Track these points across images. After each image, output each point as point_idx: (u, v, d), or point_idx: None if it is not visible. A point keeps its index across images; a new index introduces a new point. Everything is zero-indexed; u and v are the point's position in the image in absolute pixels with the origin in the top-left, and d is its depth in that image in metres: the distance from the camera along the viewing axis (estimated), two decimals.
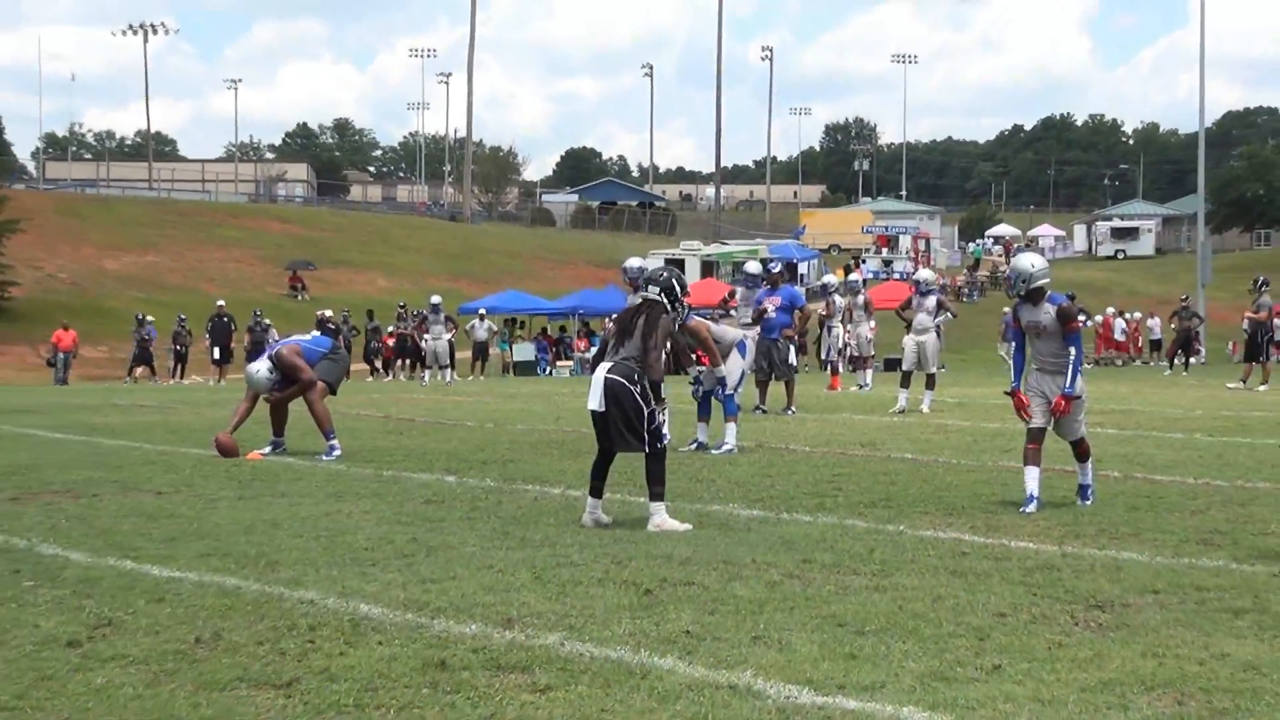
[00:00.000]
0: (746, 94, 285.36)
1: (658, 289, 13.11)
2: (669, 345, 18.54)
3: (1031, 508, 13.08)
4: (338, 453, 18.13)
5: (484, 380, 49.52)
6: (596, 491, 12.80)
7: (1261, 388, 35.76)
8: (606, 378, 12.55)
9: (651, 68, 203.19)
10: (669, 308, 13.05)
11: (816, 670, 7.35)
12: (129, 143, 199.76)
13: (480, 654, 7.70)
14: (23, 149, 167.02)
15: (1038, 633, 8.26)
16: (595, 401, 12.53)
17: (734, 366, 19.11)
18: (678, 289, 13.20)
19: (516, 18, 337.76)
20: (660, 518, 12.35)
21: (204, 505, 13.79)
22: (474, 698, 6.88)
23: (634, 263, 20.51)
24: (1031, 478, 13.33)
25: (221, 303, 53.57)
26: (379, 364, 55.02)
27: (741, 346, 19.73)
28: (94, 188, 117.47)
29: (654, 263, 63.44)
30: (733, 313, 23.22)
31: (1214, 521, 12.57)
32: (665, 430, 12.72)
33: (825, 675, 7.25)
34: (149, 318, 52.20)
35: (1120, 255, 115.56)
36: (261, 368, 18.97)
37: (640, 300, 13.23)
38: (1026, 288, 13.29)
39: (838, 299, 38.16)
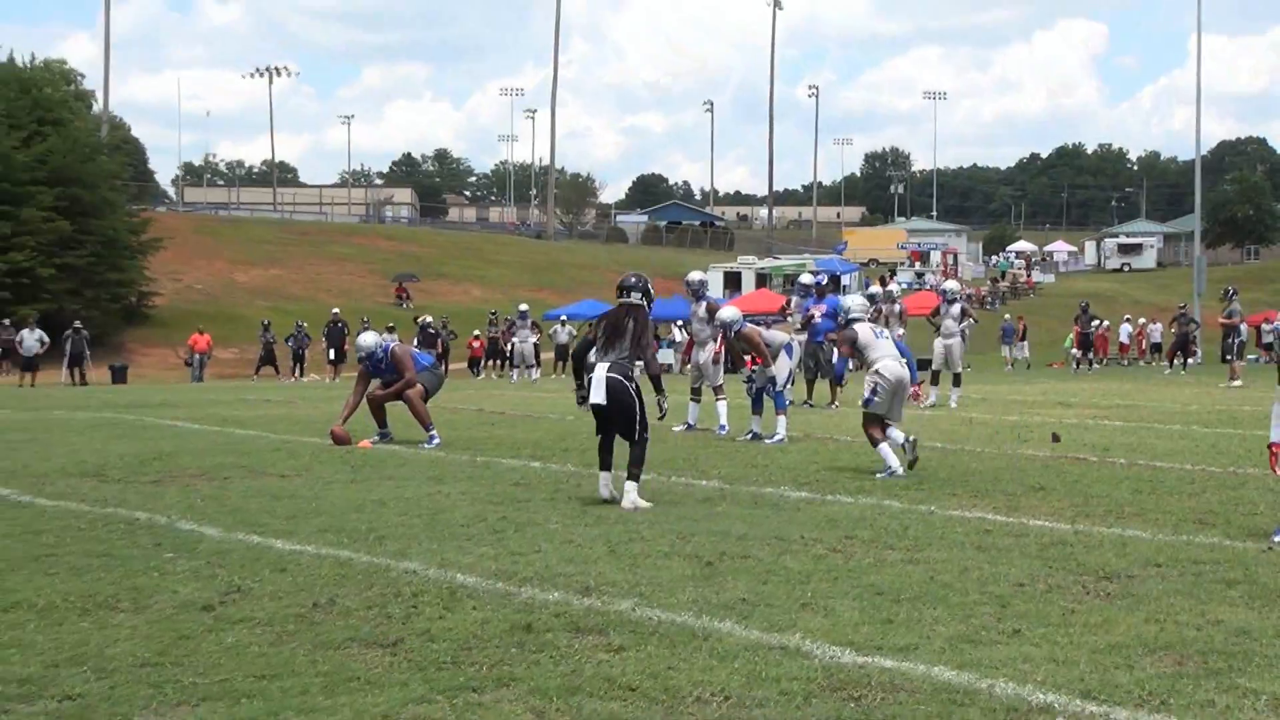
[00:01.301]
0: (795, 127, 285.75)
1: (639, 294, 13.32)
2: (727, 348, 18.76)
3: None
4: (437, 441, 18.16)
5: (565, 379, 49.54)
6: (606, 466, 12.99)
7: (1235, 384, 35.50)
8: (608, 376, 12.68)
9: (712, 104, 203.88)
10: (648, 308, 13.35)
11: (857, 634, 7.34)
12: (256, 171, 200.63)
13: (562, 618, 7.71)
14: (164, 176, 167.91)
15: (1053, 601, 8.22)
16: (599, 396, 12.66)
17: (782, 366, 19.08)
18: (651, 291, 13.51)
19: (593, 60, 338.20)
20: (633, 496, 12.41)
21: (321, 487, 13.86)
22: (556, 656, 6.90)
23: (695, 276, 20.84)
24: None
25: (336, 310, 53.72)
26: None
27: (789, 349, 19.69)
28: (226, 210, 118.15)
29: (715, 275, 63.14)
30: (787, 318, 23.17)
31: (1209, 503, 12.49)
32: (661, 414, 13.21)
33: (865, 638, 7.24)
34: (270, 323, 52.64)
35: (1126, 268, 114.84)
36: (369, 338, 19.23)
37: (625, 304, 13.30)
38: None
39: (894, 306, 38.02)
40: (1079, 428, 21.25)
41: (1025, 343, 60.08)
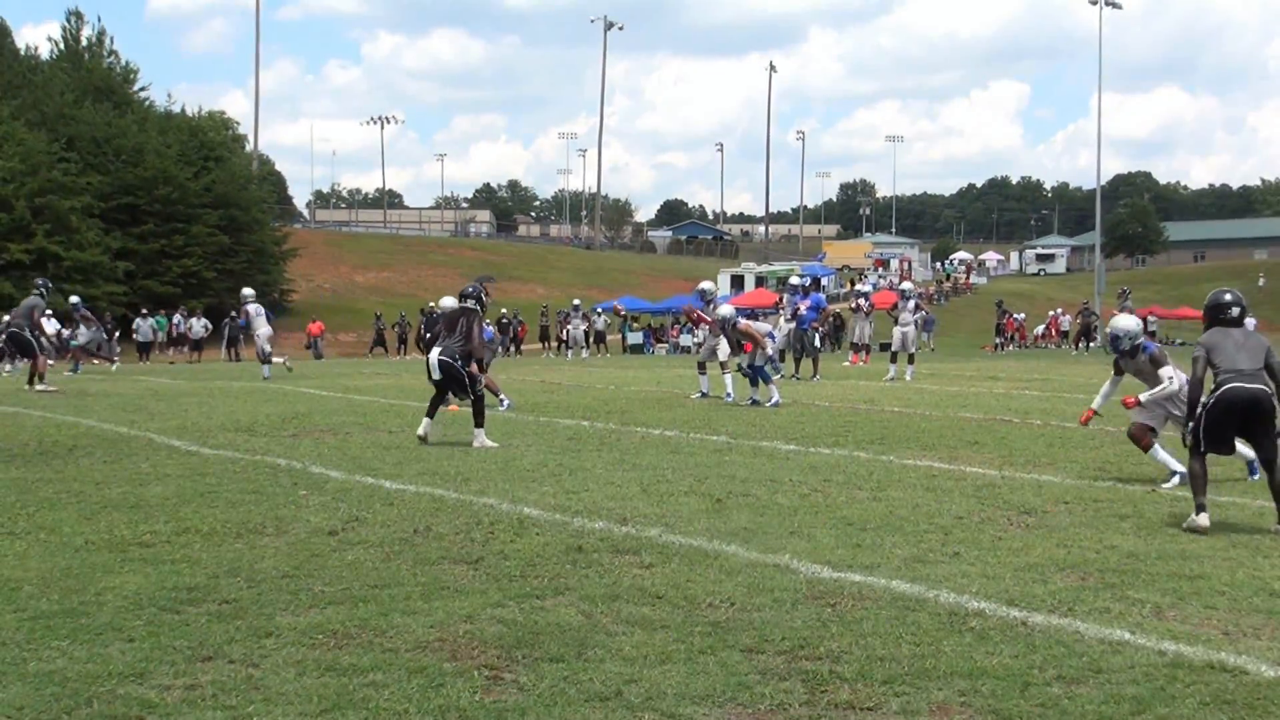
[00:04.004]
0: (786, 163, 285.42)
1: (473, 301, 13.76)
2: (725, 337, 18.85)
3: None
4: (509, 404, 18.14)
5: (608, 357, 49.46)
6: (430, 414, 13.71)
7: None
8: (440, 359, 13.35)
9: (722, 145, 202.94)
10: (481, 311, 13.78)
11: (833, 555, 7.33)
12: (371, 196, 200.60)
13: (605, 542, 7.71)
14: (300, 201, 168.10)
15: (984, 530, 8.20)
16: (435, 374, 13.43)
17: (767, 348, 19.21)
18: (485, 299, 13.97)
19: (631, 112, 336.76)
20: (481, 439, 13.08)
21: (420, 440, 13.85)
22: (600, 571, 6.90)
23: (707, 285, 20.81)
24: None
25: (432, 304, 53.74)
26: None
27: (771, 336, 19.74)
28: (348, 227, 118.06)
29: (724, 278, 62.76)
30: (779, 311, 23.02)
31: (1106, 455, 12.43)
32: (480, 389, 13.47)
33: (839, 558, 7.22)
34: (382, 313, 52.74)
35: (1042, 273, 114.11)
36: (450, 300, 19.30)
37: (463, 308, 13.75)
38: (1130, 344, 10.79)
39: (863, 302, 37.78)
40: (1005, 396, 21.16)
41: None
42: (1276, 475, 8.45)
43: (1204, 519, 8.28)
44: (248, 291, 30.30)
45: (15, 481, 10.47)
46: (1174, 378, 10.42)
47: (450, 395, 14.39)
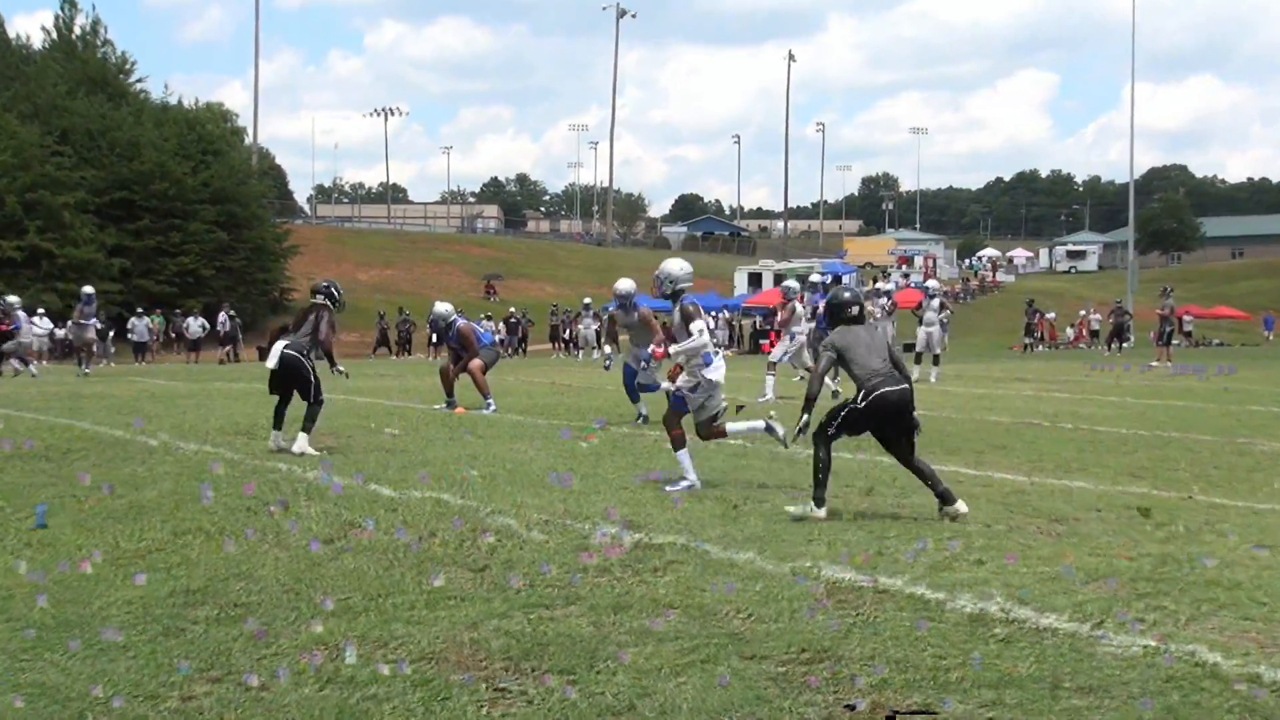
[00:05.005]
0: (805, 156, 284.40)
1: (323, 296, 13.81)
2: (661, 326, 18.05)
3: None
4: (494, 409, 18.08)
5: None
6: (277, 426, 13.36)
7: (1167, 365, 35.23)
8: (284, 351, 13.21)
9: (739, 138, 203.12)
10: (331, 306, 13.76)
11: (854, 561, 7.32)
12: (374, 191, 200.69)
13: (616, 549, 7.71)
14: (301, 196, 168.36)
15: (1012, 538, 8.19)
16: (273, 362, 13.22)
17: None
18: (336, 295, 13.95)
19: (644, 103, 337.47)
20: (302, 444, 12.91)
21: (424, 444, 13.88)
22: (611, 579, 6.91)
23: (624, 285, 17.18)
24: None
25: (437, 303, 53.86)
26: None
27: (793, 335, 19.81)
28: (350, 223, 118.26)
29: (740, 275, 62.70)
30: (791, 306, 22.81)
31: (1139, 460, 12.41)
32: (323, 394, 13.41)
33: (862, 564, 7.22)
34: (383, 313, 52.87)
35: (1072, 270, 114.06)
36: (443, 306, 19.41)
37: (313, 303, 13.75)
38: (673, 288, 11.29)
39: (886, 301, 37.75)
40: (1034, 399, 21.13)
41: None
42: (915, 463, 9.13)
43: (822, 512, 8.75)
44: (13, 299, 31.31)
45: (7, 486, 10.51)
46: (703, 331, 10.72)
47: (447, 400, 14.30)
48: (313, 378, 13.24)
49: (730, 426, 10.89)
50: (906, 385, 9.06)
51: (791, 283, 24.24)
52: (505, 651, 5.50)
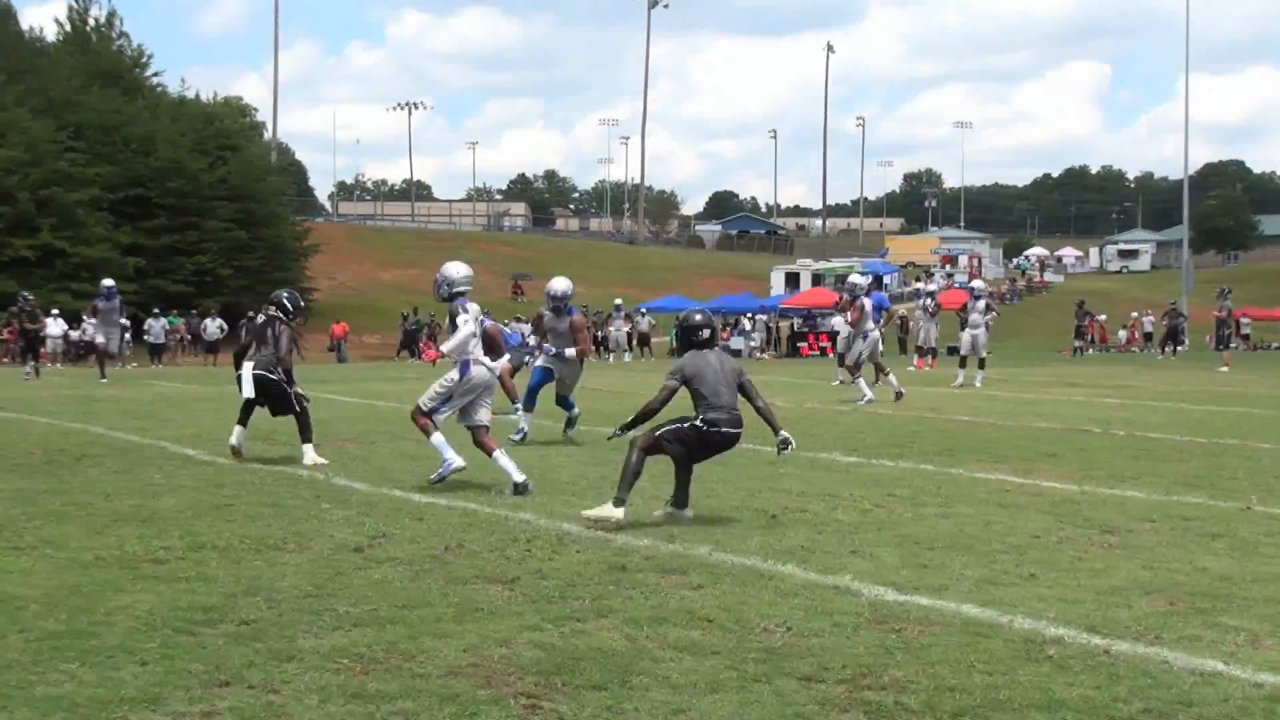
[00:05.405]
0: (844, 151, 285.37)
1: (276, 307, 13.54)
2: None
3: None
4: (521, 413, 18.03)
5: (652, 361, 49.51)
6: (242, 423, 13.09)
7: (1223, 369, 35.00)
8: (255, 373, 12.93)
9: (775, 132, 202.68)
10: (288, 319, 13.39)
11: (898, 576, 7.30)
12: (397, 187, 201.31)
13: (650, 560, 7.72)
14: (322, 193, 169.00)
15: (1063, 550, 8.15)
16: (250, 391, 12.90)
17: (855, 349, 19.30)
18: (290, 307, 13.49)
19: (677, 96, 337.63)
20: (310, 456, 12.74)
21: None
22: (646, 592, 6.90)
23: (557, 286, 16.00)
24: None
25: (252, 312, 53.99)
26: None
27: (865, 335, 20.03)
28: (372, 220, 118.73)
29: (777, 276, 62.70)
30: (868, 304, 22.75)
31: (1195, 469, 12.34)
32: (305, 398, 13.34)
33: (904, 580, 7.20)
34: (406, 313, 53.02)
35: (1124, 270, 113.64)
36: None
37: (269, 316, 13.40)
38: (450, 291, 11.40)
39: (929, 302, 37.65)
40: (1084, 404, 21.03)
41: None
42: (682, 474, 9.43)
43: (621, 512, 8.79)
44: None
45: (19, 493, 10.57)
46: (469, 322, 11.10)
47: (514, 406, 13.89)
48: (289, 389, 13.13)
49: (498, 455, 10.97)
50: (740, 430, 9.34)
51: (857, 279, 24.22)
52: (537, 666, 5.50)
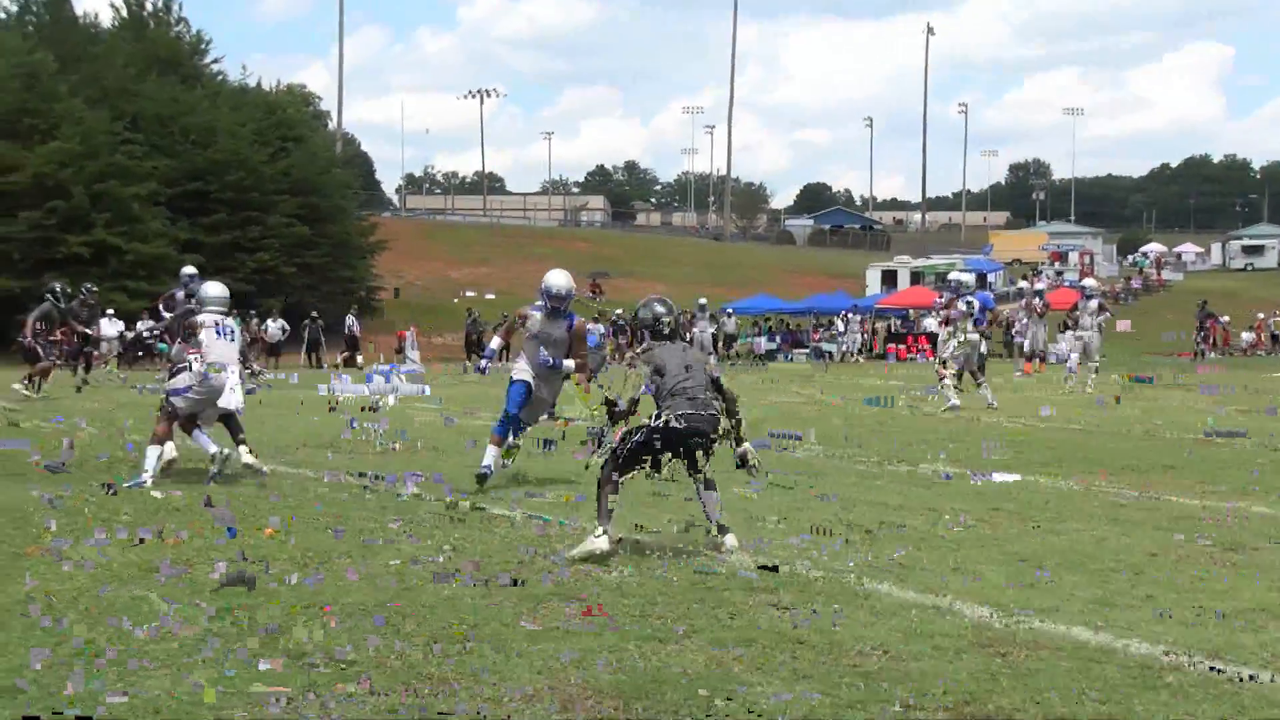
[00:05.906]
0: (945, 140, 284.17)
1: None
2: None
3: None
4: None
5: (739, 365, 49.43)
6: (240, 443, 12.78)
7: None
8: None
9: (871, 120, 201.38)
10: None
11: (1004, 596, 7.25)
12: (469, 180, 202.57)
13: (736, 578, 7.71)
14: (389, 186, 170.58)
15: (1183, 570, 8.06)
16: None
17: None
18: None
19: (766, 82, 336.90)
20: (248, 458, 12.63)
21: (523, 459, 13.60)
22: (732, 611, 6.90)
23: (555, 281, 13.30)
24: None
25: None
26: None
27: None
28: (442, 215, 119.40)
29: (873, 273, 62.19)
30: (947, 311, 22.69)
31: None
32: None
33: (1011, 600, 7.15)
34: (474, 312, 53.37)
35: (1249, 268, 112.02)
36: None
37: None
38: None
39: (1038, 302, 37.39)
40: (1207, 412, 20.76)
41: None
42: (703, 490, 9.07)
43: (604, 540, 8.44)
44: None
45: (65, 506, 10.74)
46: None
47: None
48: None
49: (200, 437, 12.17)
50: (713, 413, 9.07)
51: (961, 275, 24.07)
52: (616, 689, 5.51)
